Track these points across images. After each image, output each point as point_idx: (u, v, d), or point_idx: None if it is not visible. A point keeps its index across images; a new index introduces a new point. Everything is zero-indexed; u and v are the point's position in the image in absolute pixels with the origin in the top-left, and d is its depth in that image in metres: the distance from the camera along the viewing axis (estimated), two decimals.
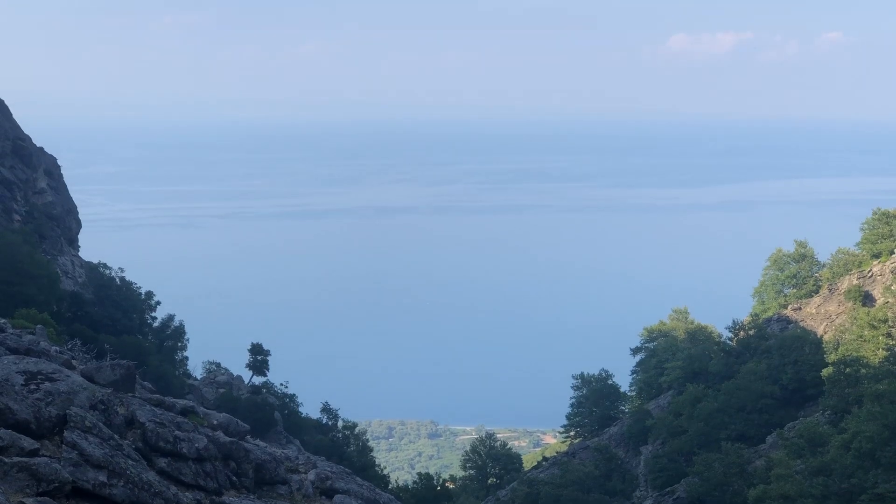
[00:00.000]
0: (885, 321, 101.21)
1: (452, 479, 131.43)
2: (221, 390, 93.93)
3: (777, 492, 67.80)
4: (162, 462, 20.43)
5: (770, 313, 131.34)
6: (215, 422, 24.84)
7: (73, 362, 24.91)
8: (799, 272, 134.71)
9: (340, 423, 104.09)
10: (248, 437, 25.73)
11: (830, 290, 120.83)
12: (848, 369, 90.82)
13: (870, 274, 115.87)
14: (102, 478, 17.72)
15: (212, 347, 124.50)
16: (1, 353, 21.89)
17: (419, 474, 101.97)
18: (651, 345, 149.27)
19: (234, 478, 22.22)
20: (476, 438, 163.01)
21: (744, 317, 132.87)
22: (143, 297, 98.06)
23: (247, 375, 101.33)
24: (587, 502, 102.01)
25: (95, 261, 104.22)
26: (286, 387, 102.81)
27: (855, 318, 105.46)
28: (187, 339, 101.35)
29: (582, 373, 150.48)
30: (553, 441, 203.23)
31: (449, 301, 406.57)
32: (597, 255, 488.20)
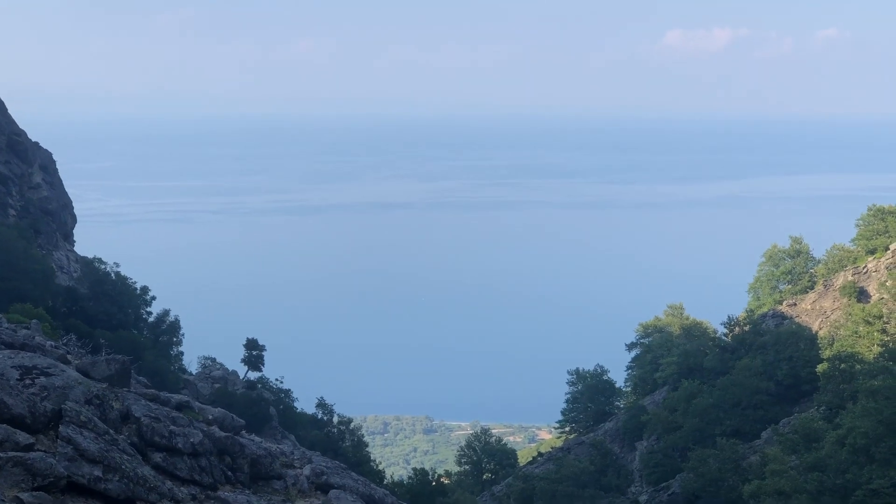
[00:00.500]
0: (880, 317, 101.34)
1: (447, 474, 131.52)
2: (217, 385, 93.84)
3: (772, 487, 67.86)
4: (157, 457, 20.43)
5: (765, 309, 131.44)
6: (210, 417, 24.85)
7: (69, 357, 24.90)
8: (794, 268, 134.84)
9: (335, 419, 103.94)
10: (244, 432, 25.74)
11: (825, 286, 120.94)
12: (843, 365, 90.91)
13: (865, 270, 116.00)
14: (98, 473, 17.71)
15: (207, 342, 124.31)
16: None
17: (414, 469, 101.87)
18: (646, 340, 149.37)
19: (229, 473, 22.22)
20: (471, 434, 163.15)
21: (739, 313, 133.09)
22: (138, 292, 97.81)
23: (242, 371, 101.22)
24: (582, 498, 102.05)
25: (91, 256, 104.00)
26: (281, 382, 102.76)
27: (850, 314, 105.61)
28: (182, 335, 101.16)
29: (577, 368, 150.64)
30: (548, 436, 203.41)
31: (444, 296, 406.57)
32: (592, 250, 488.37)
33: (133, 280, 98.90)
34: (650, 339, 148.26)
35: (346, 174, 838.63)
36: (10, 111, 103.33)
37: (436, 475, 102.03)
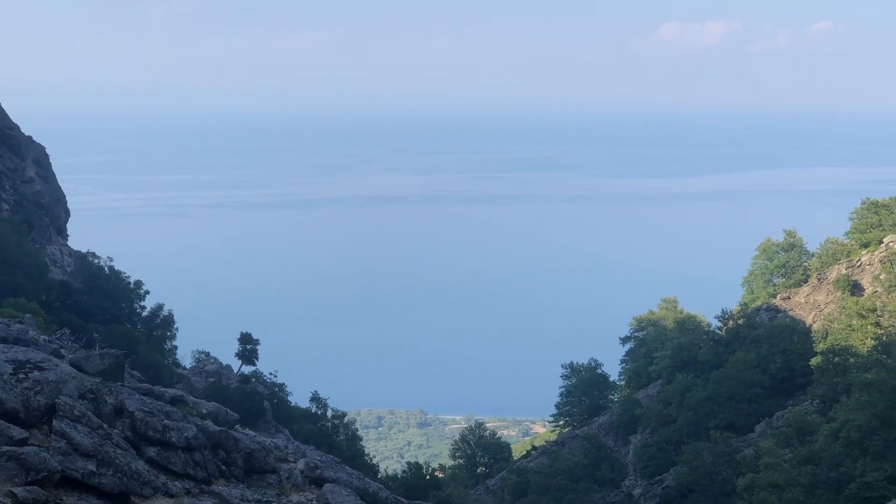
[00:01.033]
0: (874, 310, 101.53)
1: (442, 468, 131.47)
2: (211, 379, 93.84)
3: (766, 480, 67.98)
4: (151, 451, 20.41)
5: (759, 302, 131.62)
6: (204, 411, 24.83)
7: (62, 351, 24.88)
8: (788, 262, 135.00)
9: (330, 413, 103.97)
10: (238, 426, 25.73)
11: (819, 279, 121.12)
12: (836, 358, 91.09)
13: (858, 263, 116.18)
14: (91, 467, 17.69)
15: (201, 337, 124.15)
16: None
17: (408, 463, 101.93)
18: (640, 334, 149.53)
19: (223, 467, 22.21)
20: (465, 428, 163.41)
21: (733, 306, 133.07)
22: (132, 286, 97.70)
23: (236, 365, 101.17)
24: (576, 491, 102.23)
25: (84, 250, 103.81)
26: (275, 376, 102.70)
27: (844, 308, 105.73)
28: (176, 329, 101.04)
29: (571, 362, 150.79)
30: (542, 430, 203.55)
31: (438, 290, 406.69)
32: (586, 244, 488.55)
33: (127, 274, 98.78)
34: (644, 332, 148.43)
35: (340, 168, 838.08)
36: (2, 105, 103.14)
37: (430, 469, 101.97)
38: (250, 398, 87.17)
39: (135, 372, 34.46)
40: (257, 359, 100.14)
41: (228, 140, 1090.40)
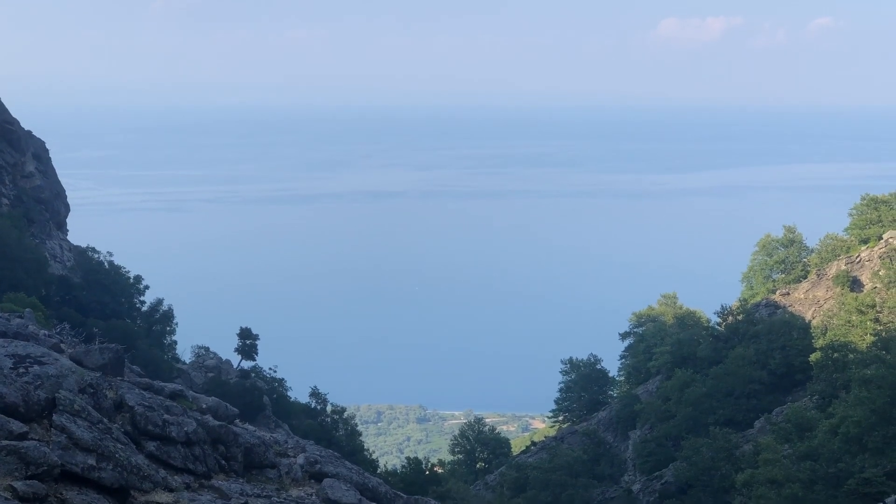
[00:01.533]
0: (873, 306, 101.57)
1: (441, 463, 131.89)
2: (210, 374, 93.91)
3: (764, 476, 68.02)
4: (151, 446, 20.41)
5: (758, 298, 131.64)
6: (204, 406, 24.84)
7: (62, 346, 24.87)
8: (787, 257, 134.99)
9: (329, 408, 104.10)
10: (237, 421, 25.73)
11: (819, 275, 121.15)
12: (836, 354, 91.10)
13: (858, 259, 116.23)
14: (91, 461, 17.70)
15: (200, 331, 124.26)
16: None
17: (408, 459, 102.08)
18: (639, 330, 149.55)
19: (223, 461, 22.22)
20: (465, 423, 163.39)
21: (732, 302, 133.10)
22: (131, 281, 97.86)
23: (235, 360, 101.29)
24: (575, 487, 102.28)
25: (84, 245, 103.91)
26: (275, 371, 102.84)
27: (843, 304, 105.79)
28: (176, 324, 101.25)
29: (570, 358, 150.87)
30: (541, 426, 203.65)
31: (438, 285, 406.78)
32: (586, 239, 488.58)
33: (126, 269, 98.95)
34: (643, 328, 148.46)
35: (340, 163, 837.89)
36: (2, 100, 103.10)
37: (429, 464, 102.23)
38: (250, 393, 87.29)
39: (135, 367, 34.49)
40: (257, 354, 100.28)
41: (228, 135, 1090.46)
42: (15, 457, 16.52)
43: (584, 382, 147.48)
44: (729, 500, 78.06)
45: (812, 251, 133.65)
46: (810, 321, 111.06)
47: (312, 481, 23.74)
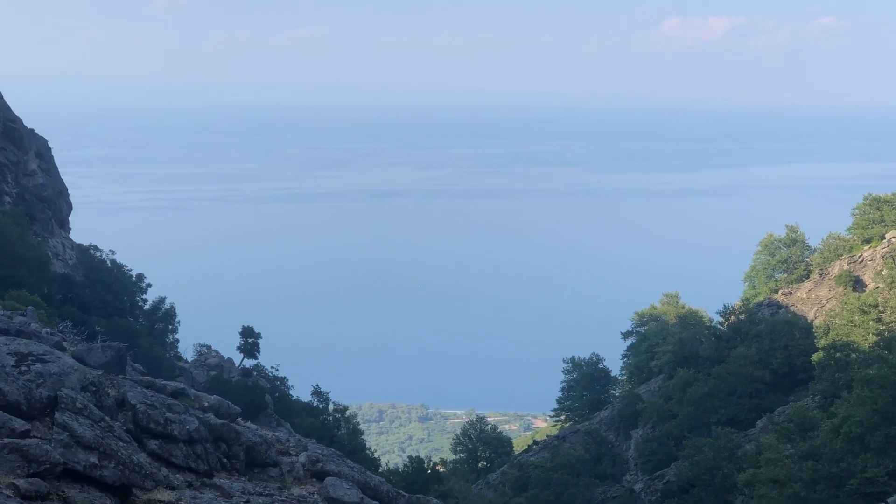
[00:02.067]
0: (876, 306, 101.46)
1: (443, 462, 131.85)
2: (212, 373, 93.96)
3: (766, 476, 67.97)
4: (153, 444, 20.43)
5: (761, 298, 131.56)
6: (206, 404, 24.87)
7: (64, 344, 24.91)
8: (790, 257, 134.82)
9: (331, 406, 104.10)
10: (239, 419, 25.75)
11: (821, 275, 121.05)
12: (838, 354, 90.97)
13: (860, 259, 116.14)
14: (93, 459, 17.71)
15: (203, 330, 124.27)
16: None
17: (409, 457, 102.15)
18: (642, 329, 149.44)
19: (224, 460, 22.23)
20: (467, 422, 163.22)
21: (734, 301, 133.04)
22: (134, 279, 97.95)
23: (238, 358, 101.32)
24: (577, 486, 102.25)
25: (86, 243, 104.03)
26: (277, 370, 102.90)
27: (845, 303, 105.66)
28: (178, 322, 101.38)
29: (573, 357, 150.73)
30: (543, 425, 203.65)
31: (440, 284, 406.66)
32: (588, 239, 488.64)
33: (129, 268, 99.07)
34: (646, 327, 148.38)
35: (341, 162, 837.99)
36: (5, 98, 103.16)
37: (431, 463, 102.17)
38: (252, 392, 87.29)
39: (136, 365, 34.53)
40: (259, 352, 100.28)
41: (230, 133, 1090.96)
42: (17, 455, 16.53)
43: (585, 381, 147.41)
44: (731, 500, 77.99)
45: (814, 251, 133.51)
46: (812, 321, 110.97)
47: (314, 480, 23.75)
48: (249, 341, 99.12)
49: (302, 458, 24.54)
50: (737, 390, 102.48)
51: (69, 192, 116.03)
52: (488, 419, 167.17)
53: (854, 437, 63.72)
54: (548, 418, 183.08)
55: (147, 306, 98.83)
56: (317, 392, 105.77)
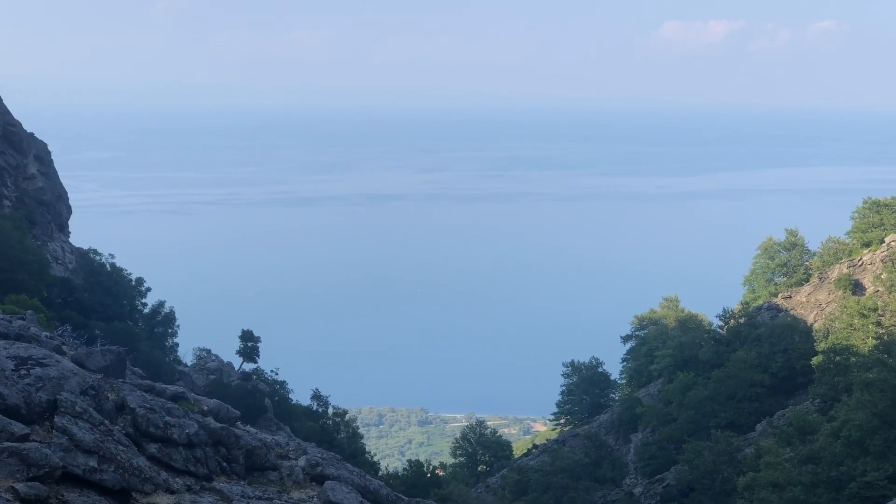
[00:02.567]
0: (875, 310, 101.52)
1: (442, 466, 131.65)
2: (212, 377, 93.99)
3: (766, 479, 68.01)
4: (152, 447, 20.43)
5: (760, 301, 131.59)
6: (206, 408, 24.86)
7: (64, 348, 24.91)
8: (789, 261, 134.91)
9: (331, 410, 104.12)
10: (239, 423, 25.75)
11: (821, 278, 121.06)
12: (838, 358, 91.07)
13: (860, 262, 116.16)
14: (93, 463, 17.71)
15: (202, 334, 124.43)
16: None
17: (409, 461, 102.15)
18: (641, 333, 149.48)
19: (224, 463, 22.23)
20: (466, 426, 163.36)
21: (734, 305, 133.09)
22: (133, 283, 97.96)
23: (237, 362, 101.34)
24: (577, 490, 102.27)
25: (86, 247, 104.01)
26: (277, 373, 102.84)
27: (845, 307, 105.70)
28: (178, 326, 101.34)
29: (572, 360, 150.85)
30: (543, 429, 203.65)
31: (440, 288, 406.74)
32: (588, 242, 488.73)
33: (128, 271, 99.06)
34: (645, 331, 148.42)
35: (342, 165, 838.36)
36: (4, 101, 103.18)
37: (431, 467, 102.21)
38: (251, 395, 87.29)
39: (136, 369, 34.53)
40: (258, 356, 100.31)
41: (230, 137, 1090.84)
42: (16, 458, 16.53)
43: (585, 385, 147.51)
44: None
45: (814, 254, 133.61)
46: (812, 324, 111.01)
47: (314, 483, 23.75)
48: (249, 345, 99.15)
49: (301, 461, 24.53)
50: (736, 394, 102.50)
51: (69, 195, 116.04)
52: (488, 423, 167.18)
53: (854, 440, 63.80)
54: (547, 422, 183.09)
55: (147, 310, 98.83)
56: (316, 396, 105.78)
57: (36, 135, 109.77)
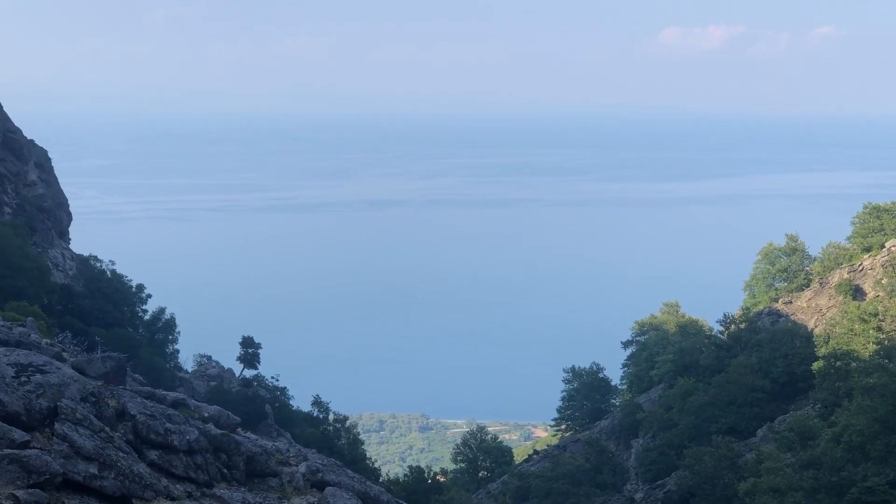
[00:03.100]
0: (876, 315, 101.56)
1: (443, 472, 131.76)
2: (212, 383, 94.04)
3: (767, 485, 67.94)
4: (153, 454, 20.40)
5: (761, 307, 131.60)
6: (206, 414, 24.85)
7: (64, 354, 24.89)
8: (790, 266, 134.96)
9: (331, 416, 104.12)
10: (239, 429, 25.73)
11: (821, 283, 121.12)
12: (838, 363, 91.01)
13: (860, 268, 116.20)
14: (93, 470, 17.70)
15: (203, 340, 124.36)
16: None
17: (410, 467, 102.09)
18: (642, 338, 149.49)
19: (224, 470, 22.20)
20: (467, 432, 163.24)
21: (735, 310, 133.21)
22: (133, 289, 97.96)
23: (238, 368, 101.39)
24: (578, 495, 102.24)
25: (86, 253, 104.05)
26: (277, 380, 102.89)
27: (845, 312, 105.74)
28: (178, 332, 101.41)
29: (573, 366, 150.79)
30: (544, 434, 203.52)
31: (440, 294, 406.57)
32: (588, 248, 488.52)
33: (129, 278, 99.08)
34: (646, 336, 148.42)
35: (341, 171, 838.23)
36: (4, 108, 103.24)
37: (432, 473, 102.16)
38: (252, 402, 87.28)
39: (137, 375, 34.54)
40: (259, 363, 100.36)
41: (230, 143, 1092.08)
42: (17, 465, 16.52)
43: (586, 391, 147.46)
44: None
45: (814, 260, 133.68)
46: (813, 330, 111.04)
47: (314, 490, 23.72)
48: (250, 351, 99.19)
49: (302, 468, 24.51)
50: (737, 399, 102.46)
51: (69, 202, 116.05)
52: (489, 429, 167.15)
53: (854, 446, 63.72)
54: (548, 428, 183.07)
55: (147, 317, 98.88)
56: (317, 402, 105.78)
57: (36, 142, 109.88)
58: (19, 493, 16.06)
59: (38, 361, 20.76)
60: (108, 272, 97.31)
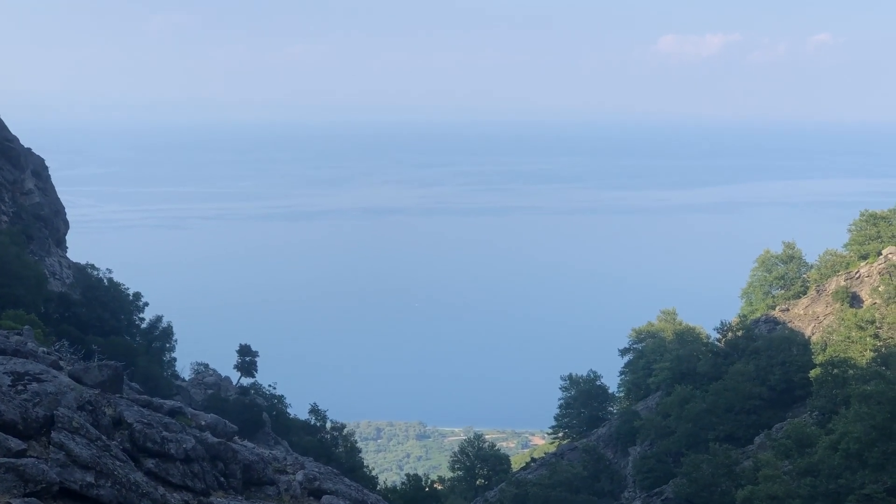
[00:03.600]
0: (873, 322, 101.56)
1: (441, 480, 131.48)
2: (209, 391, 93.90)
3: (765, 492, 67.94)
4: (149, 463, 20.38)
5: (758, 314, 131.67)
6: (203, 423, 24.82)
7: (61, 363, 24.86)
8: (787, 273, 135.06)
9: (329, 425, 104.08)
10: (236, 437, 25.70)
11: (818, 291, 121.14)
12: (835, 370, 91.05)
13: (857, 275, 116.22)
14: (90, 478, 17.68)
15: (200, 349, 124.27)
16: None
17: (407, 475, 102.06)
18: (639, 346, 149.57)
19: (221, 478, 22.18)
20: (464, 439, 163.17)
21: (732, 318, 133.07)
22: (131, 298, 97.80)
23: (235, 377, 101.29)
24: (575, 503, 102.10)
25: (83, 262, 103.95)
26: (274, 388, 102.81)
27: (842, 320, 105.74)
28: (175, 341, 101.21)
29: (570, 374, 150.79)
30: (541, 442, 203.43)
31: (438, 302, 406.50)
32: (585, 256, 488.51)
33: (126, 286, 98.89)
34: (643, 344, 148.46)
35: (339, 179, 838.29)
36: (1, 117, 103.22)
37: (429, 481, 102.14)
38: (249, 410, 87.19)
39: (133, 384, 34.52)
40: (256, 371, 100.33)
41: (227, 151, 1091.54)
42: (13, 474, 16.50)
43: (583, 399, 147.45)
44: None
45: (811, 267, 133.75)
46: (810, 337, 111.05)
47: (311, 498, 23.71)
48: (247, 359, 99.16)
49: (299, 476, 24.49)
50: (734, 407, 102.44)
51: (66, 210, 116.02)
52: (486, 437, 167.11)
53: (852, 453, 63.76)
54: (546, 435, 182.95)
55: (144, 325, 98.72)
56: (314, 410, 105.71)
57: (33, 150, 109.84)
58: (16, 502, 16.06)
59: (35, 370, 20.76)
60: (105, 280, 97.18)
